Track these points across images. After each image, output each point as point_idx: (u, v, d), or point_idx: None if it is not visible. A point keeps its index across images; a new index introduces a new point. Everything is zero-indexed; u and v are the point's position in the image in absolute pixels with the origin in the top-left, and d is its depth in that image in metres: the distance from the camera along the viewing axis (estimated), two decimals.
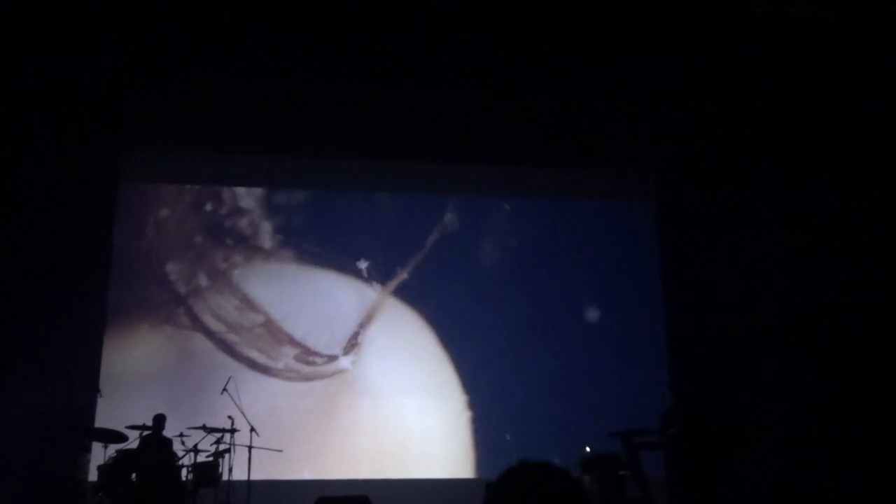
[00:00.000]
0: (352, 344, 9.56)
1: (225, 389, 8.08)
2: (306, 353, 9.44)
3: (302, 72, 8.57)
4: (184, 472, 7.75)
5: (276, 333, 9.43)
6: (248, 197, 9.83)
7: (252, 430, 7.97)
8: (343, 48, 8.19)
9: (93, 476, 7.92)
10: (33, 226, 8.57)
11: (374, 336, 9.64)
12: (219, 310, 9.43)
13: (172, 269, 9.52)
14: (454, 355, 9.67)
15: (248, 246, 9.72)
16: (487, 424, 9.49)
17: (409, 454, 9.29)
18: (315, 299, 9.63)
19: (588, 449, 7.93)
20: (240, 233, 9.75)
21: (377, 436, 9.27)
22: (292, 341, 9.43)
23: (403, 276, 9.85)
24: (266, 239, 9.75)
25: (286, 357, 9.40)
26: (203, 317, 9.40)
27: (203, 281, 9.53)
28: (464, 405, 9.56)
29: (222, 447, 7.87)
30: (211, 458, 7.78)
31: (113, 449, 7.71)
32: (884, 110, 7.87)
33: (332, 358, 9.49)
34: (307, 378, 9.40)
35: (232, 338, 9.36)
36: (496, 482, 1.93)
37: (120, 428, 7.85)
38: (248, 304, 9.49)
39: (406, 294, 9.82)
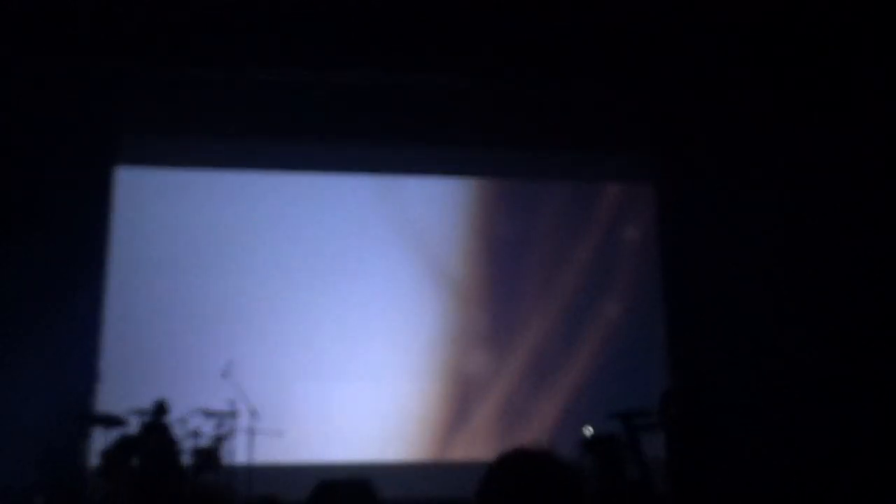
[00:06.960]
0: None
1: (226, 372, 8.06)
2: None
3: (299, 57, 8.52)
4: (185, 456, 7.77)
5: None
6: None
7: (253, 413, 7.97)
8: (340, 33, 8.13)
9: (94, 460, 7.93)
10: (30, 215, 8.56)
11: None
12: None
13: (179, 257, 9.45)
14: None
15: None
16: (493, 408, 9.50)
17: (411, 436, 9.28)
18: None
19: (590, 429, 7.91)
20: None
21: (379, 418, 9.25)
22: None
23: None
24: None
25: None
26: None
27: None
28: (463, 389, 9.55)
29: (223, 431, 7.88)
30: (212, 442, 7.79)
31: (115, 433, 7.73)
32: (885, 102, 7.80)
33: None
34: None
35: None
36: (492, 467, 1.93)
37: (121, 412, 7.85)
38: None
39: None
